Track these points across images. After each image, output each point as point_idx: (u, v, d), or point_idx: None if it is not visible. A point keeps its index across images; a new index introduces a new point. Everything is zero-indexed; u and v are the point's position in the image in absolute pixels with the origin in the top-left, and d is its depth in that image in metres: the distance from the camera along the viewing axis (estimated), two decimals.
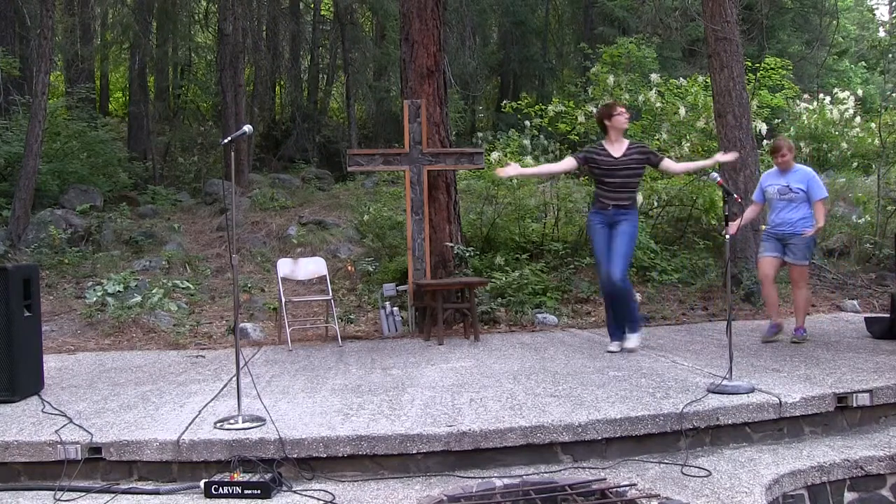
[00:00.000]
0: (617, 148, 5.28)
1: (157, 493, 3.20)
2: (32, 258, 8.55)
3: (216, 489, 3.10)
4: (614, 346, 5.43)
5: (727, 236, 4.79)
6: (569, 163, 5.44)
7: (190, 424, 3.59)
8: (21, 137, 10.74)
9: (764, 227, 5.96)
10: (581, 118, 9.25)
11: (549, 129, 10.29)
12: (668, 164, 5.50)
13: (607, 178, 5.23)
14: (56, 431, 3.48)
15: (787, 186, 5.62)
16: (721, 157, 5.45)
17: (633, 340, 5.38)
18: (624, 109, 5.39)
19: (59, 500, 3.13)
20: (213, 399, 4.19)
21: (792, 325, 5.83)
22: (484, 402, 3.91)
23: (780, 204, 5.67)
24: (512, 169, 5.43)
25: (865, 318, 6.13)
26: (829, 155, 12.97)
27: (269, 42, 17.39)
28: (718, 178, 4.60)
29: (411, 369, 4.98)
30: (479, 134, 15.68)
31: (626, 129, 5.40)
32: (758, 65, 10.09)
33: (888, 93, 17.84)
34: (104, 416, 3.82)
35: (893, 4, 27.49)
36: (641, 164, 5.34)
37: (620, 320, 5.41)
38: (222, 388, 4.49)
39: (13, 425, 3.65)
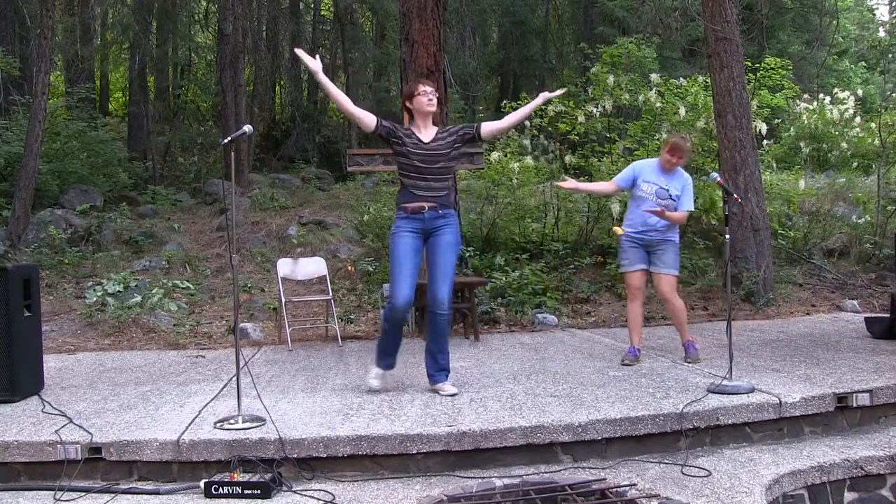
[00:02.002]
0: (426, 134, 4.30)
1: (157, 493, 3.20)
2: (32, 258, 8.55)
3: (216, 489, 3.10)
4: (376, 380, 4.31)
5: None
6: (366, 116, 4.27)
7: (190, 424, 3.59)
8: (21, 137, 10.75)
9: (621, 229, 5.13)
10: (581, 118, 9.25)
11: (549, 129, 10.29)
12: (488, 126, 4.43)
13: (419, 164, 4.21)
14: (56, 431, 3.47)
15: (667, 191, 4.98)
16: (547, 95, 4.48)
17: (449, 386, 4.24)
18: (431, 89, 4.31)
19: (59, 500, 3.13)
20: (213, 399, 4.19)
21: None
22: (484, 402, 3.91)
23: (651, 205, 4.97)
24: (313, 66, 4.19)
25: (865, 318, 6.14)
26: (829, 155, 12.98)
27: (269, 42, 17.40)
28: (718, 178, 4.59)
29: (411, 369, 4.97)
30: None
31: (431, 113, 4.30)
32: (758, 65, 10.08)
33: (888, 93, 17.85)
34: (104, 416, 3.82)
35: (893, 4, 27.50)
36: (456, 147, 4.33)
37: (435, 357, 4.28)
38: (222, 388, 4.48)
39: (13, 425, 3.65)
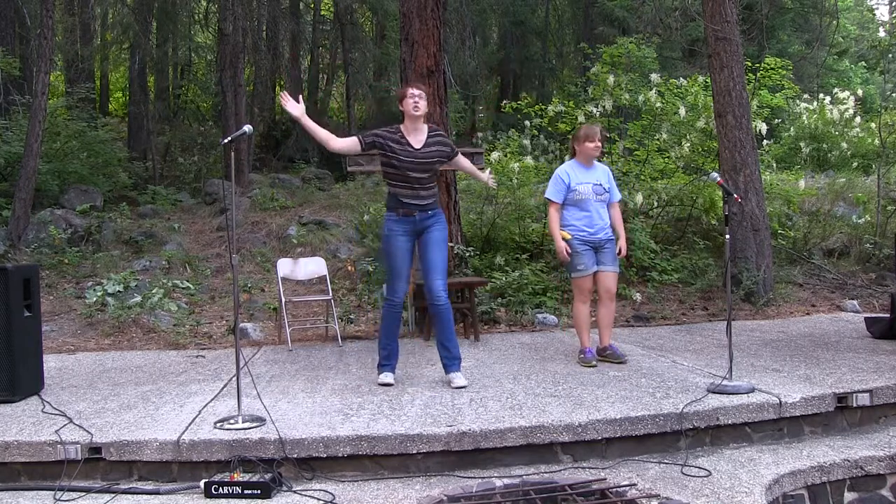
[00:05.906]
0: (416, 137, 4.32)
1: (157, 493, 3.20)
2: (32, 258, 8.55)
3: (216, 489, 3.10)
4: (389, 378, 4.45)
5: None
6: (351, 142, 4.30)
7: (190, 424, 3.59)
8: (21, 137, 10.74)
9: (567, 233, 4.96)
10: (581, 118, 9.25)
11: (549, 129, 10.28)
12: (459, 160, 4.63)
13: (410, 173, 4.27)
14: (56, 431, 3.48)
15: (600, 185, 4.94)
16: (488, 180, 4.84)
17: (460, 377, 4.34)
18: (419, 92, 4.30)
19: (59, 500, 3.13)
20: (213, 399, 4.19)
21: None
22: (484, 402, 3.91)
23: (593, 205, 4.92)
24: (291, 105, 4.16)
25: (865, 318, 6.14)
26: (829, 155, 12.99)
27: (269, 42, 17.38)
28: (718, 178, 4.58)
29: (411, 369, 4.97)
30: (479, 134, 15.70)
31: (417, 117, 4.32)
32: (758, 65, 10.08)
33: (888, 93, 17.86)
34: (104, 416, 3.82)
35: (893, 4, 27.51)
36: (442, 159, 4.44)
37: (446, 346, 4.41)
38: (222, 388, 4.49)
39: (13, 425, 3.65)
